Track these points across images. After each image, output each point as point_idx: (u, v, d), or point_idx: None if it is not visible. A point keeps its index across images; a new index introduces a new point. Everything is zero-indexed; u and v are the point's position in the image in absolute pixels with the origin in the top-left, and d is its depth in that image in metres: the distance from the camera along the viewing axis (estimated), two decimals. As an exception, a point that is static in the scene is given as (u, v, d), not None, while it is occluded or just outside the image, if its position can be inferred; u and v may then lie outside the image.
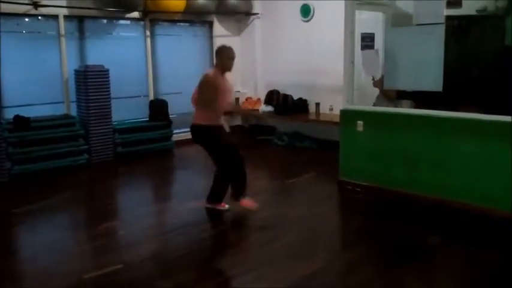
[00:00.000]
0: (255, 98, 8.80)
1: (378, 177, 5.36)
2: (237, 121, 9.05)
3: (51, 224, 4.79)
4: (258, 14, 8.76)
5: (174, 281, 3.49)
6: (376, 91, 5.90)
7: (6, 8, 6.22)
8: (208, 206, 4.86)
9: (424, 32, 5.01)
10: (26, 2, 6.43)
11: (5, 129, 6.12)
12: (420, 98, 5.35)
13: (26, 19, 6.75)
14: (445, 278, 3.51)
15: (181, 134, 7.98)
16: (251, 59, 8.94)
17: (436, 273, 3.57)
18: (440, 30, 4.85)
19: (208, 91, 4.36)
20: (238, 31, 9.06)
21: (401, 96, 5.68)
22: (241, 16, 8.70)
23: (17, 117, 6.31)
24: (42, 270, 3.72)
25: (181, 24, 8.49)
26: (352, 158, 5.59)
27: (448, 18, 5.17)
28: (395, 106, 5.64)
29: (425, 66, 5.02)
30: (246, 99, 8.77)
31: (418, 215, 4.75)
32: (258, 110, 8.54)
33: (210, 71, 4.62)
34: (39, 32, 6.97)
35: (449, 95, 4.96)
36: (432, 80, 4.91)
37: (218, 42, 8.66)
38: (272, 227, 4.48)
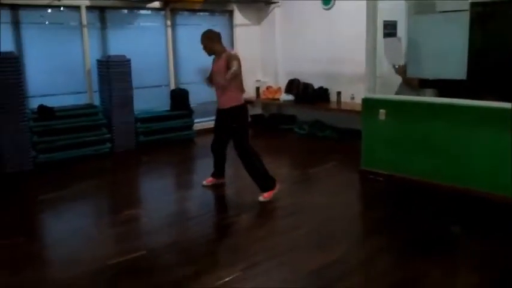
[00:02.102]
0: (275, 87, 8.78)
1: (400, 166, 5.32)
2: (258, 110, 9.04)
3: (75, 211, 4.88)
4: (278, 2, 8.71)
5: (196, 267, 3.53)
6: (399, 79, 5.83)
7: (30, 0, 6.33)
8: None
9: (448, 19, 4.94)
10: (49, -7, 6.52)
11: (30, 119, 6.23)
12: (443, 86, 5.28)
13: (49, 10, 6.82)
14: (468, 269, 3.47)
15: (202, 123, 8.03)
16: (271, 48, 8.91)
17: (459, 264, 3.55)
18: (465, 17, 4.77)
19: None
20: (259, 20, 9.03)
21: (424, 84, 5.60)
22: (261, 5, 8.68)
23: (41, 107, 6.42)
24: (66, 256, 3.80)
25: (202, 13, 8.50)
26: (373, 147, 5.56)
27: (473, 4, 5.07)
28: (418, 94, 5.57)
29: (449, 54, 4.95)
30: (267, 88, 8.76)
31: (440, 205, 4.71)
32: (278, 99, 8.53)
33: None
34: (61, 23, 7.05)
35: (474, 83, 4.88)
36: (456, 68, 4.84)
37: (238, 31, 8.70)
38: (293, 215, 4.49)
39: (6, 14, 6.43)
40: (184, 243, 4.00)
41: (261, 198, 4.80)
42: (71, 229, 4.33)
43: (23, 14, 6.57)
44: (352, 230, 4.29)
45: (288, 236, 4.03)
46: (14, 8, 6.46)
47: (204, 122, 8.07)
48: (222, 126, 4.95)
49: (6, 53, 5.97)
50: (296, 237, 4.00)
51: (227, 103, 4.83)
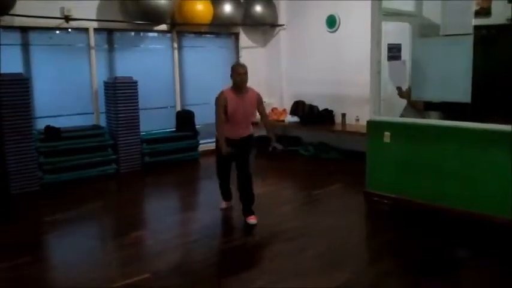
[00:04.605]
0: (280, 109, 8.82)
1: (405, 189, 5.30)
2: (263, 132, 9.03)
3: (81, 233, 4.87)
4: (283, 25, 8.81)
5: (201, 291, 3.52)
6: (403, 102, 5.86)
7: (39, 22, 6.43)
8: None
9: (452, 43, 4.98)
10: (58, 16, 6.61)
11: (37, 139, 6.27)
12: (448, 109, 5.29)
13: (57, 32, 6.92)
14: (475, 293, 3.45)
15: (207, 144, 8.06)
16: (277, 70, 8.98)
17: (466, 287, 3.52)
18: (469, 41, 4.80)
19: (216, 106, 4.85)
20: (264, 42, 9.12)
21: (429, 107, 5.62)
22: (266, 27, 8.76)
23: (48, 128, 6.47)
24: (71, 278, 3.79)
25: (208, 36, 8.59)
26: (378, 170, 5.55)
27: (477, 27, 5.11)
28: (423, 117, 5.59)
29: (454, 77, 4.97)
30: (272, 110, 8.80)
31: (447, 228, 4.68)
32: (283, 120, 8.56)
33: (225, 88, 4.92)
34: (69, 45, 7.14)
35: (478, 106, 4.89)
36: (460, 91, 4.86)
37: (244, 53, 8.78)
38: (298, 238, 4.47)
39: (16, 36, 6.54)
40: (188, 266, 3.99)
41: (253, 221, 4.82)
42: (76, 251, 4.34)
43: (32, 36, 6.68)
44: (358, 254, 4.26)
45: (293, 260, 4.01)
46: (24, 30, 6.56)
47: (209, 143, 8.09)
48: (239, 152, 4.89)
49: (15, 74, 6.05)
50: (301, 261, 3.98)
51: (249, 131, 5.02)
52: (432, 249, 4.18)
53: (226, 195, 5.31)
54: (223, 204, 5.33)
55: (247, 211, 4.90)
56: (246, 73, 4.80)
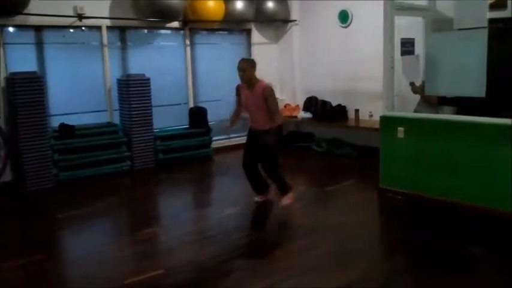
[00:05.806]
0: (293, 105, 8.80)
1: (419, 184, 5.26)
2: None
3: (95, 229, 4.93)
4: (296, 21, 8.77)
5: (214, 287, 3.52)
6: (417, 97, 5.80)
7: (52, 20, 6.48)
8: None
9: (466, 37, 4.91)
10: (71, 14, 6.66)
11: (51, 137, 6.34)
12: (462, 104, 5.23)
13: (71, 30, 6.97)
14: (490, 289, 3.41)
15: (220, 141, 8.07)
16: (289, 66, 8.95)
17: (480, 285, 3.47)
18: (483, 35, 4.73)
19: None
20: (276, 38, 9.09)
21: (443, 102, 5.56)
22: (279, 23, 8.74)
23: (62, 125, 6.53)
24: (84, 274, 3.82)
25: (220, 32, 8.60)
26: (392, 165, 5.51)
27: (492, 21, 5.04)
28: (437, 112, 5.53)
29: (468, 72, 4.91)
30: (285, 106, 8.78)
31: (461, 224, 4.64)
32: (296, 116, 8.54)
33: None
34: (83, 43, 7.19)
35: (493, 101, 4.83)
36: (475, 85, 4.80)
37: (256, 49, 8.76)
38: (311, 235, 4.47)
39: (30, 35, 6.61)
40: (201, 262, 4.00)
41: (286, 203, 5.16)
42: (89, 247, 4.38)
43: (46, 35, 6.74)
44: (370, 250, 4.24)
45: (306, 256, 4.00)
46: (38, 29, 6.63)
47: (222, 140, 8.11)
48: (257, 144, 5.03)
49: (29, 72, 6.12)
50: (314, 257, 3.97)
51: (267, 125, 4.94)
52: (446, 246, 4.14)
53: (256, 187, 5.29)
54: (258, 198, 5.33)
55: (280, 192, 5.19)
56: (245, 69, 4.89)
